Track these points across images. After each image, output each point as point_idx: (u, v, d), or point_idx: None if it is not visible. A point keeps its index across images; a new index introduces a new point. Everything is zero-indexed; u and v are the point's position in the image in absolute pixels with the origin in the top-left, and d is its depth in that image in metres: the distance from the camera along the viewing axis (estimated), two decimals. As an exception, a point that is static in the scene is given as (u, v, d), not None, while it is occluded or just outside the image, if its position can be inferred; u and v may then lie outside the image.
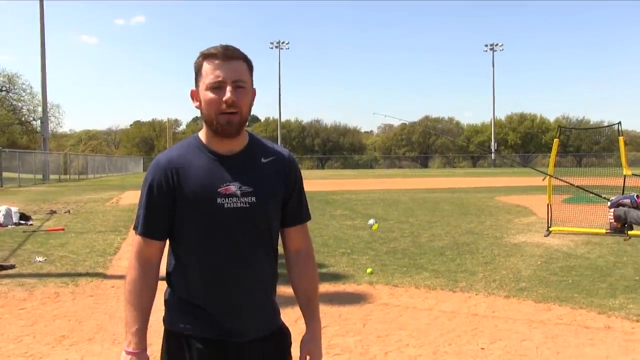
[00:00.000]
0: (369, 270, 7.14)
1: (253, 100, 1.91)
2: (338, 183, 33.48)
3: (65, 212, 15.68)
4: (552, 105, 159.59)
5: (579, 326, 5.13)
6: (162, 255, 1.91)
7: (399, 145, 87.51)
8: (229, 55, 1.82)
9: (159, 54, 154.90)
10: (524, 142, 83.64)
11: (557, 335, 4.88)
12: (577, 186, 4.70)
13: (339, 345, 4.69)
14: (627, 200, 3.41)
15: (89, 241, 10.36)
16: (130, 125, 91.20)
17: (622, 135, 10.61)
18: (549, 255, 8.57)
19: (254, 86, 1.92)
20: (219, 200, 1.80)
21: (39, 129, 46.75)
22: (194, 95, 1.87)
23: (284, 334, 2.02)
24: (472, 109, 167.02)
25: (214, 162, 1.84)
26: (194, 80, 1.88)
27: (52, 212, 15.59)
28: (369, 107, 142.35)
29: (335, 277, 7.11)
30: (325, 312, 5.66)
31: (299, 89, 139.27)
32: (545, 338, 4.80)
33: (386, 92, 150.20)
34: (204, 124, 1.88)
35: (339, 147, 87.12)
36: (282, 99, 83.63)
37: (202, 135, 1.90)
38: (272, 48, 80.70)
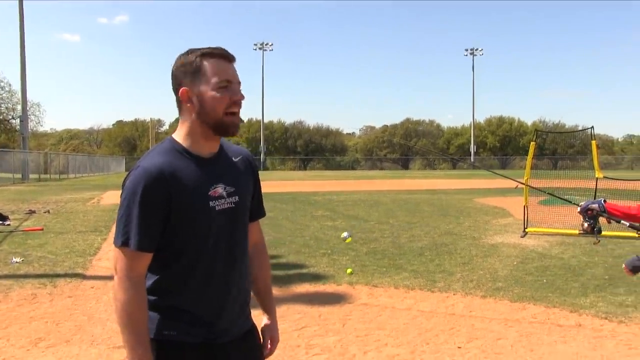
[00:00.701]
0: (348, 270, 7.17)
1: None
2: (320, 184, 33.47)
3: (45, 212, 15.40)
4: (529, 109, 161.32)
5: (552, 324, 5.22)
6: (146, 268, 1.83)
7: (380, 147, 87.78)
8: (231, 57, 1.83)
9: (143, 54, 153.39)
10: (502, 145, 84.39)
11: (531, 333, 4.96)
12: (549, 192, 4.78)
13: (318, 345, 4.71)
14: (595, 205, 3.47)
15: (68, 241, 10.20)
16: (113, 124, 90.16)
17: (595, 139, 10.80)
18: (524, 255, 8.68)
19: None
20: (211, 203, 1.79)
21: (18, 127, 45.48)
22: (188, 96, 1.80)
23: (257, 332, 2.06)
24: (453, 112, 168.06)
25: (199, 166, 1.81)
26: (178, 83, 1.82)
27: (31, 212, 15.31)
28: (351, 109, 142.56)
29: (316, 278, 7.13)
30: (305, 312, 5.69)
31: (282, 90, 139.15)
32: (519, 336, 4.88)
33: (368, 94, 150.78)
34: (189, 127, 1.83)
35: (321, 149, 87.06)
36: (265, 100, 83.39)
37: (179, 138, 1.84)
38: (255, 49, 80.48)
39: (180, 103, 1.83)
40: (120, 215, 1.76)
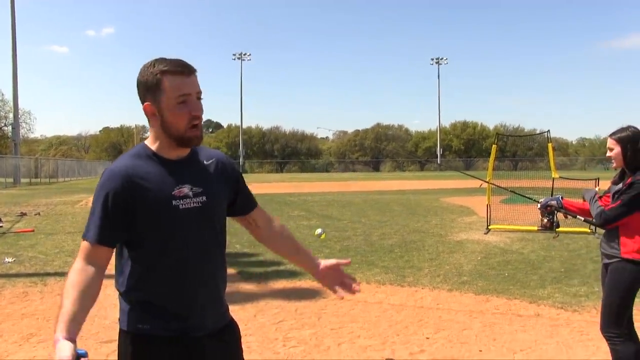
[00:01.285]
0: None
1: None
2: (295, 185, 33.43)
3: (36, 214, 15.21)
4: (491, 114, 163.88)
5: (513, 315, 5.31)
6: (108, 262, 1.81)
7: (353, 150, 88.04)
8: (190, 70, 1.81)
9: (128, 63, 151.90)
10: (466, 148, 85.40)
11: (494, 323, 5.03)
12: (511, 190, 4.87)
13: (295, 337, 4.71)
14: (554, 202, 3.55)
15: (58, 242, 10.09)
16: (100, 131, 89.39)
17: (551, 142, 11.00)
18: (488, 251, 8.80)
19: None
20: (174, 202, 1.80)
21: (10, 134, 45.80)
22: (151, 111, 1.82)
23: (235, 327, 2.03)
24: (421, 117, 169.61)
25: (165, 168, 1.83)
26: (143, 96, 1.82)
27: (23, 214, 15.08)
28: (325, 115, 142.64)
29: (292, 274, 7.11)
30: (283, 307, 5.69)
31: (260, 97, 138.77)
32: (483, 327, 4.94)
33: (341, 100, 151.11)
34: (156, 135, 1.86)
35: (296, 152, 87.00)
36: (244, 106, 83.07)
37: (149, 143, 1.88)
38: (234, 59, 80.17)
39: (146, 114, 1.85)
40: (90, 212, 1.81)
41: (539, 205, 3.64)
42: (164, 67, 1.78)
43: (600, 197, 3.33)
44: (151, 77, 1.78)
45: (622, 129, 3.19)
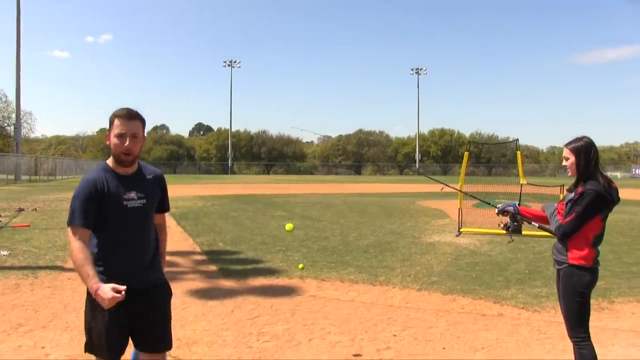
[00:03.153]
0: (300, 265, 7.13)
1: (144, 143, 2.72)
2: (280, 187, 33.35)
3: (33, 210, 15.06)
4: (467, 122, 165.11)
5: (477, 314, 5.31)
6: (89, 240, 2.57)
7: (336, 154, 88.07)
8: (131, 116, 2.62)
9: (124, 68, 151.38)
10: (443, 154, 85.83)
11: (459, 322, 5.04)
12: (470, 194, 4.89)
13: (269, 332, 4.67)
14: (511, 208, 3.57)
15: (51, 237, 10.00)
16: (97, 132, 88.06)
17: (520, 150, 11.09)
18: (458, 252, 8.82)
19: (146, 134, 2.78)
20: (124, 202, 2.62)
21: (12, 133, 46.55)
22: (107, 138, 2.64)
23: (167, 285, 2.86)
24: (401, 124, 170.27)
25: (119, 180, 2.65)
26: (108, 127, 2.66)
27: (20, 210, 14.93)
28: (310, 120, 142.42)
29: (270, 272, 7.08)
30: (259, 303, 5.64)
31: (248, 102, 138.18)
32: (448, 325, 4.94)
33: (325, 107, 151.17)
34: (111, 157, 2.67)
35: (283, 155, 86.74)
36: (233, 111, 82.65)
37: (109, 162, 2.69)
38: (224, 66, 79.99)
39: (107, 141, 2.66)
40: (71, 205, 2.59)
41: (496, 210, 3.66)
42: (117, 112, 2.64)
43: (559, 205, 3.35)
44: (111, 117, 2.64)
45: (577, 139, 3.21)
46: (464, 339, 4.56)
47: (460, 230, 11.07)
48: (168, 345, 2.79)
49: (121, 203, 2.60)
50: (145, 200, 2.68)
